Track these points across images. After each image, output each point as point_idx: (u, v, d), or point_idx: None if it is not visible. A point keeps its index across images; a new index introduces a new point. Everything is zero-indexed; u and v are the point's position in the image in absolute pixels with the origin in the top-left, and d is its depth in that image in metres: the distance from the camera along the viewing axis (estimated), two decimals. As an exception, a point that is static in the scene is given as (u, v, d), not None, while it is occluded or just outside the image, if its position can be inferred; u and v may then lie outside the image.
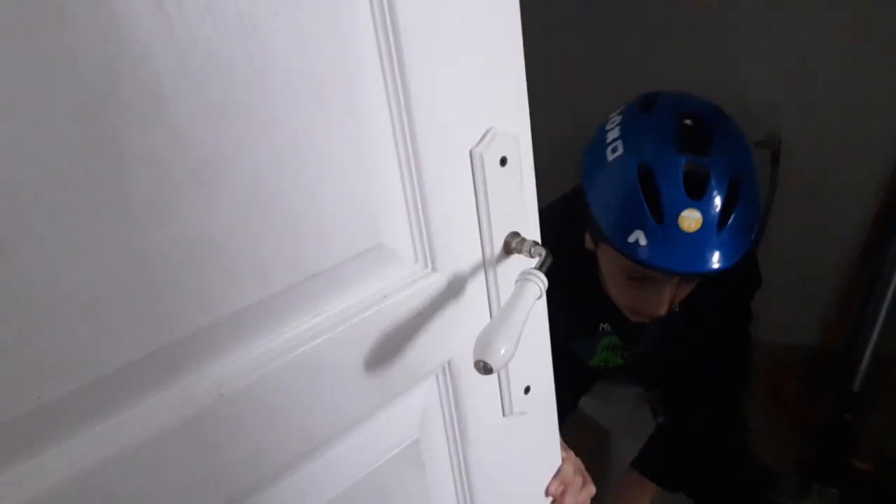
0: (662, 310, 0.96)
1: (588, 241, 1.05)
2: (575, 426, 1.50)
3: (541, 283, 0.48)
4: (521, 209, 0.53)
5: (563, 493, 0.67)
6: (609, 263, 0.99)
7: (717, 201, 0.86)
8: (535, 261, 0.50)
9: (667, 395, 1.34)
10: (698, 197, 0.85)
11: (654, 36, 1.72)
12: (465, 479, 0.58)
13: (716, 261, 0.86)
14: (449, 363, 0.53)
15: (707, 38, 1.67)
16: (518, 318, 0.45)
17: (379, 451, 0.51)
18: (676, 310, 1.00)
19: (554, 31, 1.84)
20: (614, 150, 0.91)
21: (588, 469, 0.79)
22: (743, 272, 1.17)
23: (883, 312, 1.67)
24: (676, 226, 0.85)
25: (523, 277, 0.48)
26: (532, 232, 0.54)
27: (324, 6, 0.38)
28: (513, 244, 0.52)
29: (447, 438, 0.56)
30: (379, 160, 0.44)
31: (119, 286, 0.34)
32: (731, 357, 1.23)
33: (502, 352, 0.43)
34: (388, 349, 0.48)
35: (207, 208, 0.36)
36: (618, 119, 0.95)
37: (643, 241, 0.86)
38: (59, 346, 0.33)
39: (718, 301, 1.13)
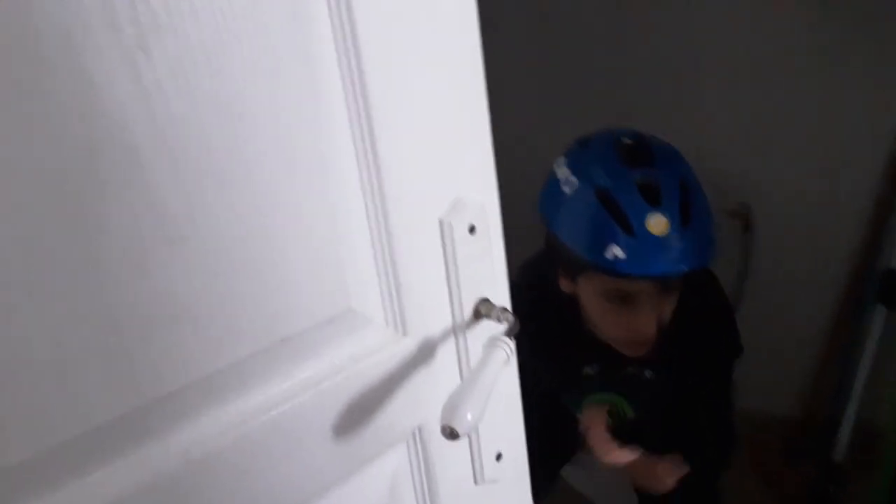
0: (651, 328, 1.00)
1: (565, 285, 1.10)
2: (558, 497, 1.48)
3: (508, 349, 0.49)
4: (490, 275, 0.54)
5: (538, 563, 0.66)
6: (590, 295, 1.04)
7: (675, 203, 0.93)
8: (504, 326, 0.51)
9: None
10: (657, 203, 0.92)
11: (625, 105, 1.78)
12: (436, 549, 0.57)
13: (689, 258, 0.93)
14: (420, 428, 0.53)
15: (676, 109, 1.73)
16: (485, 384, 0.46)
17: (348, 518, 0.51)
18: (666, 331, 1.04)
19: (523, 96, 1.91)
20: (570, 186, 0.98)
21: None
22: (722, 337, 1.20)
23: (860, 381, 1.68)
24: (646, 232, 0.91)
25: (491, 343, 0.49)
26: (501, 297, 0.56)
27: (297, 82, 0.40)
28: (482, 310, 0.53)
29: (418, 506, 0.55)
30: (349, 228, 0.46)
31: (90, 350, 0.35)
32: (714, 424, 1.24)
33: (469, 417, 0.44)
34: (359, 414, 0.48)
35: (179, 272, 0.37)
36: (562, 161, 1.03)
37: (621, 255, 0.92)
38: (25, 409, 0.33)
39: (699, 366, 1.16)
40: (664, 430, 1.30)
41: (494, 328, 0.54)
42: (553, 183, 1.03)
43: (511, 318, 0.52)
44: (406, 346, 0.50)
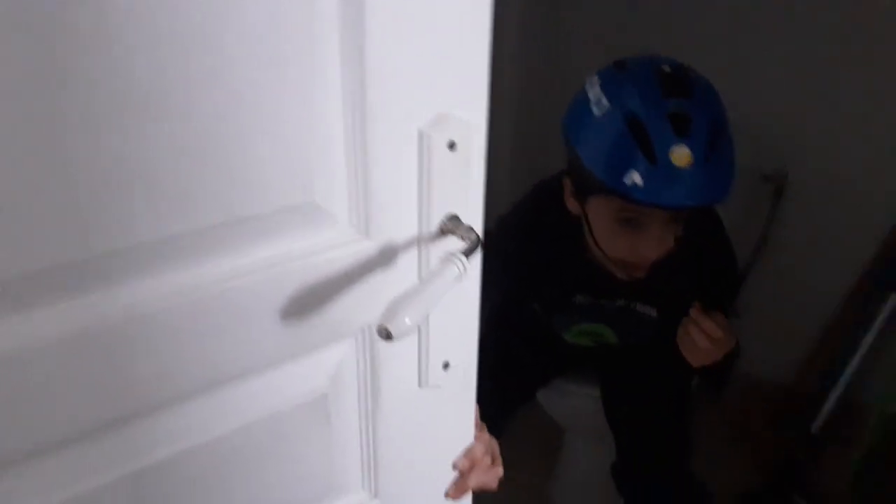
0: (655, 253, 1.03)
1: (573, 205, 1.11)
2: (529, 416, 1.53)
3: (461, 266, 0.49)
4: (463, 193, 0.55)
5: (470, 469, 0.70)
6: (600, 215, 1.06)
7: (702, 137, 0.93)
8: (465, 245, 0.52)
9: (621, 401, 1.38)
10: (685, 135, 0.93)
11: (677, 40, 1.71)
12: (370, 438, 0.60)
13: (705, 194, 0.94)
14: (370, 326, 0.55)
15: (728, 54, 1.66)
16: (430, 294, 0.47)
17: (286, 396, 0.54)
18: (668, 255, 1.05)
19: (560, 32, 1.84)
20: (599, 107, 0.98)
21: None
22: (718, 262, 1.21)
23: (855, 360, 1.68)
24: (669, 163, 0.92)
25: (447, 258, 0.50)
26: (472, 216, 0.56)
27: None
28: (449, 226, 0.54)
29: (358, 398, 0.58)
30: (325, 122, 0.46)
31: (43, 194, 0.36)
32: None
33: (406, 321, 0.45)
34: (310, 303, 0.50)
35: (137, 134, 0.38)
36: (596, 80, 1.02)
37: (639, 181, 0.93)
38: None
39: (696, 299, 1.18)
40: (647, 358, 1.35)
41: (458, 245, 0.55)
42: (582, 101, 1.02)
43: (474, 237, 0.53)
44: (366, 248, 0.52)
